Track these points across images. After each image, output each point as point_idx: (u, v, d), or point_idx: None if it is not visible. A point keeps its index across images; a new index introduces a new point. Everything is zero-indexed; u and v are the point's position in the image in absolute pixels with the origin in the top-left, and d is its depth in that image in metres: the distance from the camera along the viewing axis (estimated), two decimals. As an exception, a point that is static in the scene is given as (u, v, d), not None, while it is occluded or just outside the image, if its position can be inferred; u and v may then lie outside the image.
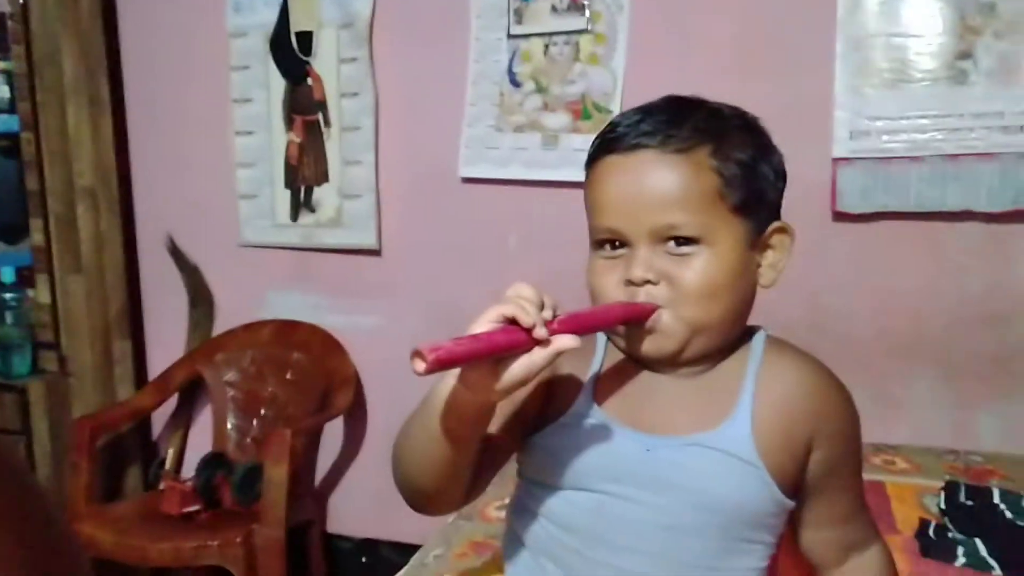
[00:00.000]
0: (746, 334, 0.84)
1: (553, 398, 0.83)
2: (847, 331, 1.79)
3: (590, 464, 0.79)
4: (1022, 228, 1.68)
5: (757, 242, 0.79)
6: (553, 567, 0.81)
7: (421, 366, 0.61)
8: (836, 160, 1.74)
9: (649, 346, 0.78)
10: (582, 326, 0.71)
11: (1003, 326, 1.72)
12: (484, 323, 0.66)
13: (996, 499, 1.37)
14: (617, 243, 0.78)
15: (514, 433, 0.82)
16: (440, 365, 0.61)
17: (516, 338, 0.66)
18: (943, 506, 1.35)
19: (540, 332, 0.66)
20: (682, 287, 0.76)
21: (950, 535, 1.25)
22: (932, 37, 1.67)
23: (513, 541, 0.87)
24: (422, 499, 0.80)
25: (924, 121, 1.69)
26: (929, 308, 1.76)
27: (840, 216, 1.77)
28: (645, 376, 0.82)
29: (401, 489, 0.81)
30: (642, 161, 0.77)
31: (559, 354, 0.67)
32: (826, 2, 1.73)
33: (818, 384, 0.82)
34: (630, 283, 0.77)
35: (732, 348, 0.82)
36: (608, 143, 0.79)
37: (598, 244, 0.80)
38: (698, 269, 0.76)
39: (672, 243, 0.76)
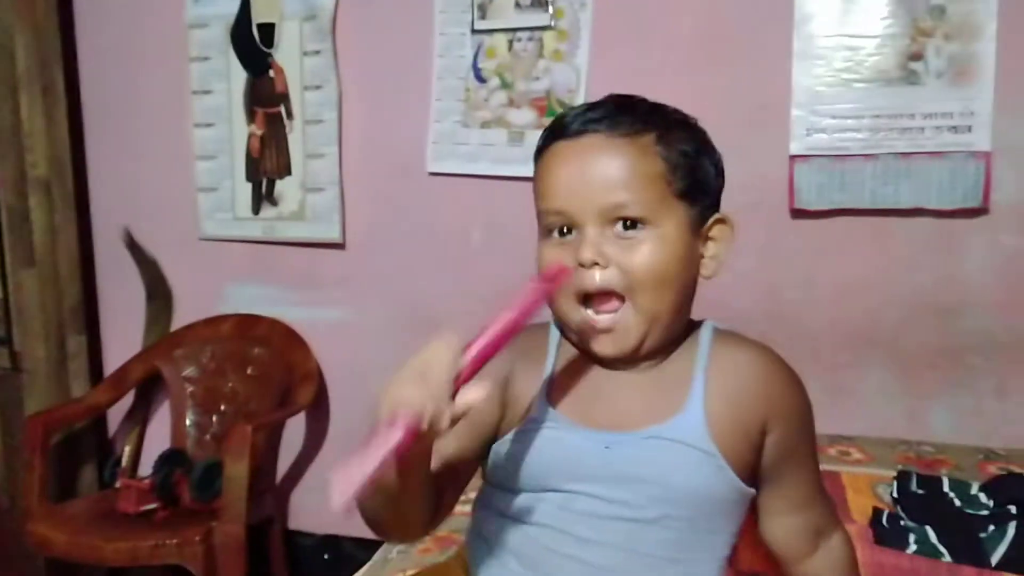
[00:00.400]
0: (693, 327, 0.86)
1: (509, 407, 0.83)
2: (804, 324, 1.83)
3: (551, 467, 0.80)
4: (970, 224, 1.73)
5: (700, 232, 0.81)
6: (517, 564, 0.82)
7: (338, 505, 0.58)
8: (793, 157, 1.77)
9: (610, 346, 0.79)
10: (494, 350, 0.68)
11: (953, 319, 1.77)
12: (387, 426, 0.62)
13: (946, 488, 1.41)
14: (565, 228, 0.79)
15: (475, 448, 0.83)
16: (358, 498, 0.60)
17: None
18: (896, 495, 1.39)
19: (440, 427, 0.64)
20: (633, 273, 0.77)
21: (902, 523, 1.28)
22: (885, 38, 1.72)
23: (477, 537, 0.87)
24: (386, 533, 0.81)
25: (878, 120, 1.73)
26: (882, 302, 1.81)
27: (798, 213, 1.80)
28: (597, 373, 0.83)
29: (366, 524, 0.79)
30: (590, 144, 0.78)
31: (468, 409, 0.66)
32: (784, 2, 1.77)
33: (767, 368, 0.83)
34: (580, 266, 0.77)
35: (680, 340, 0.84)
36: (557, 131, 0.81)
37: (547, 231, 0.81)
38: (646, 253, 0.77)
39: (620, 226, 0.77)
